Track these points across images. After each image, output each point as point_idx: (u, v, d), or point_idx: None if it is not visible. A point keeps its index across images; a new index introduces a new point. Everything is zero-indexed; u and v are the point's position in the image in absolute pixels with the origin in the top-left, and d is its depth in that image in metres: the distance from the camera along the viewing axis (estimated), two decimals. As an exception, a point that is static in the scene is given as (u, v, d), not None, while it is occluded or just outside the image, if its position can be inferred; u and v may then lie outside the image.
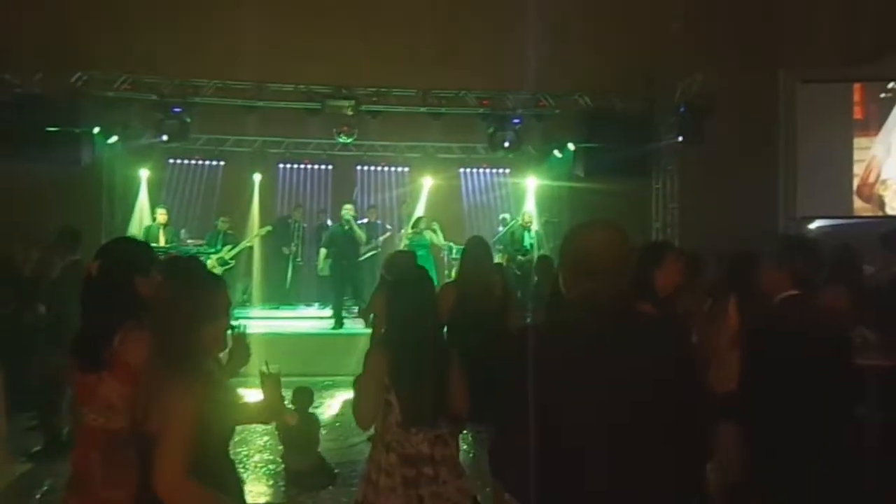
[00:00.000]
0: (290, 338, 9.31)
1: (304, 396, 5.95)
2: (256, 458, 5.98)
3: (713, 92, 9.85)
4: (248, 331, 2.96)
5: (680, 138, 10.17)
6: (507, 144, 10.66)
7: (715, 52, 10.55)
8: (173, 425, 2.15)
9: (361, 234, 10.63)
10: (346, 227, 10.45)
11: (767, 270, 3.23)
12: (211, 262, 10.47)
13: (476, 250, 4.98)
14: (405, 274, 3.54)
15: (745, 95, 10.24)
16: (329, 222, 11.68)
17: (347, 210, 10.59)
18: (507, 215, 11.97)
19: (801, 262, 3.12)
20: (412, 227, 11.00)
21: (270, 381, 2.70)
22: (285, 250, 11.55)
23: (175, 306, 2.29)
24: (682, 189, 10.88)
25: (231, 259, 10.80)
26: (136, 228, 11.11)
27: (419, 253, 9.59)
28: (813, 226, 10.27)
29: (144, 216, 11.31)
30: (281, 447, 5.72)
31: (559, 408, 1.85)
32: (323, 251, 10.64)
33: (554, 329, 2.03)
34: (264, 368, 2.71)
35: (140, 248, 3.06)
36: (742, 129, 10.37)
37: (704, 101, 9.89)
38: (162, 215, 10.49)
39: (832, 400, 2.95)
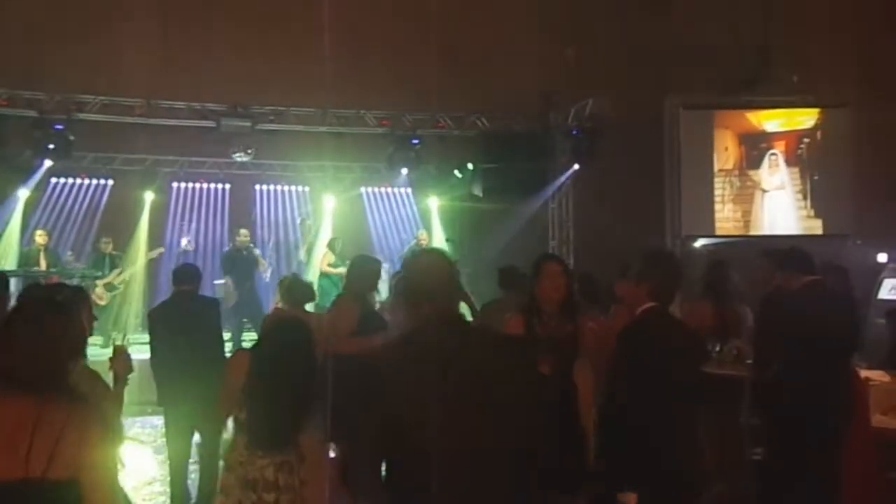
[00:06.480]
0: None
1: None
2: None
3: (604, 115, 10.24)
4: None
5: (573, 161, 10.52)
6: (405, 171, 11.01)
7: (608, 77, 10.94)
8: (102, 470, 1.97)
9: (264, 262, 10.61)
10: (245, 253, 10.28)
11: (627, 284, 3.27)
12: (99, 289, 9.96)
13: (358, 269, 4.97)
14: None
15: (635, 119, 10.68)
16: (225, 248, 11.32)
17: (244, 235, 10.43)
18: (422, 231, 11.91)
19: (659, 275, 3.15)
20: (329, 247, 10.77)
21: (121, 351, 2.99)
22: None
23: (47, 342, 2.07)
24: (576, 209, 11.21)
25: (120, 284, 10.29)
26: (7, 252, 10.36)
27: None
28: (698, 244, 10.79)
29: (13, 239, 10.57)
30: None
31: (408, 424, 1.94)
32: (228, 278, 10.35)
33: (400, 349, 2.13)
34: (118, 341, 3.11)
35: None
36: (632, 151, 10.77)
37: (595, 125, 10.27)
38: (41, 237, 9.85)
39: (684, 405, 3.05)
